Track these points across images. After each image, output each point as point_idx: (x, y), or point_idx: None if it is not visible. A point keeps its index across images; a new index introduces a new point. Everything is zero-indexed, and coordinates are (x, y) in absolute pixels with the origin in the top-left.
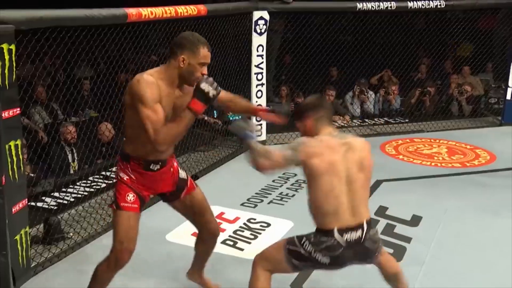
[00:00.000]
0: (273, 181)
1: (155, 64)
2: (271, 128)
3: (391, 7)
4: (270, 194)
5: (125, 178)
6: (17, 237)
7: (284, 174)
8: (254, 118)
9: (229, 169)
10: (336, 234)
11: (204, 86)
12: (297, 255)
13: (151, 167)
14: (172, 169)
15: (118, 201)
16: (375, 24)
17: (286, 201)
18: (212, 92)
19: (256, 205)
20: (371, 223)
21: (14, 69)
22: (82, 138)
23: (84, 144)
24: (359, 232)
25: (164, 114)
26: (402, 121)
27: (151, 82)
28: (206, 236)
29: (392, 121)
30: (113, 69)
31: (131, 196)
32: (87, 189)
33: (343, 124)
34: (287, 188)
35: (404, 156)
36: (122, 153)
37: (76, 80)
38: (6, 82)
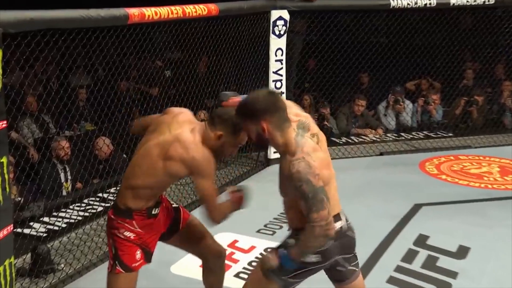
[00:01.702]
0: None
1: (159, 71)
2: None
3: (430, 4)
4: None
5: (132, 237)
6: (1, 268)
7: None
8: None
9: None
10: None
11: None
12: (284, 270)
13: (153, 212)
14: (164, 203)
15: (127, 263)
16: (413, 24)
17: None
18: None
19: (274, 232)
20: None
21: (1, 77)
22: (77, 154)
23: (79, 162)
24: (338, 223)
25: None
26: (445, 135)
27: (211, 158)
28: (212, 261)
29: (433, 135)
30: (112, 76)
31: (139, 254)
32: (81, 214)
33: (375, 139)
34: None
35: (448, 176)
36: (121, 210)
37: (70, 89)
38: None
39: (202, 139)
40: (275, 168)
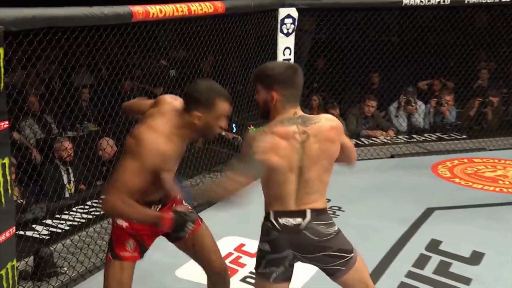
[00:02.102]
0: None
1: (164, 70)
2: None
3: (444, 1)
4: None
5: (124, 226)
6: (3, 271)
7: None
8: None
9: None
10: (272, 217)
11: (186, 229)
12: (257, 261)
13: (152, 208)
14: (174, 205)
15: (117, 251)
16: (425, 22)
17: None
18: (185, 231)
19: None
20: (326, 217)
21: (3, 76)
22: (80, 155)
23: (82, 163)
24: (298, 219)
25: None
26: (458, 137)
27: (161, 151)
28: (214, 277)
29: (446, 137)
30: (116, 76)
31: (131, 245)
32: (85, 216)
33: (386, 140)
34: None
35: (461, 180)
36: None
37: (73, 88)
38: None
39: (176, 128)
40: None
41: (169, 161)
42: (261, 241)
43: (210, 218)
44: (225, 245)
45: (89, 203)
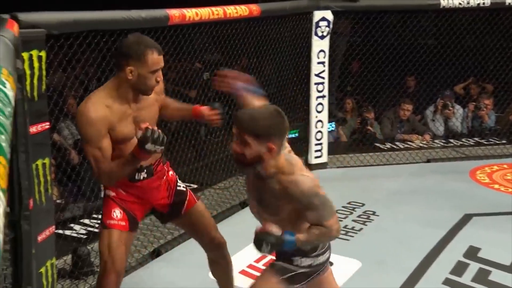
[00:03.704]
0: (336, 211)
1: (199, 73)
2: (332, 149)
3: (484, 3)
4: None
5: (111, 194)
6: (43, 269)
7: (349, 203)
8: (313, 138)
9: None
10: None
11: (150, 147)
12: (298, 278)
13: (136, 177)
14: (166, 178)
15: (104, 219)
16: (464, 25)
17: (352, 236)
18: (157, 149)
19: None
20: None
21: (44, 79)
22: None
23: None
24: None
25: (113, 144)
26: (497, 142)
27: (94, 119)
28: (212, 253)
29: (485, 142)
30: None
31: (117, 213)
32: None
33: (422, 145)
34: (353, 220)
35: (501, 186)
36: None
37: None
38: (35, 93)
39: (112, 90)
40: (316, 173)
41: (111, 124)
42: (320, 255)
43: (227, 231)
44: (244, 258)
45: None
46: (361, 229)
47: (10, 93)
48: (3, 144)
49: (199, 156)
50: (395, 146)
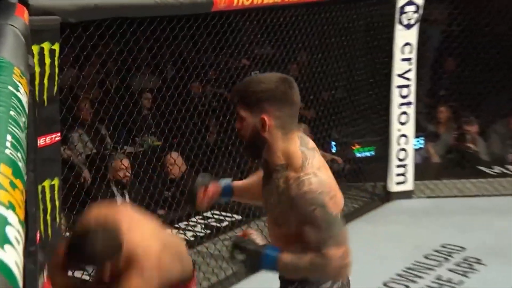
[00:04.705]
0: (425, 256)
1: (247, 72)
2: (420, 173)
3: None
4: (421, 277)
5: None
6: None
7: (443, 246)
8: (394, 157)
9: (353, 232)
10: None
11: None
12: None
13: None
14: None
15: None
16: None
17: None
18: None
19: None
20: None
21: (57, 78)
22: (139, 176)
23: (143, 186)
24: None
25: None
26: None
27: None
28: None
29: None
30: (183, 78)
31: None
32: None
33: None
34: (449, 269)
35: None
36: None
37: (131, 93)
38: (45, 96)
39: None
40: (399, 204)
41: None
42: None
43: None
44: None
45: None
46: (461, 282)
47: (24, 99)
48: (20, 164)
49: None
50: (507, 171)
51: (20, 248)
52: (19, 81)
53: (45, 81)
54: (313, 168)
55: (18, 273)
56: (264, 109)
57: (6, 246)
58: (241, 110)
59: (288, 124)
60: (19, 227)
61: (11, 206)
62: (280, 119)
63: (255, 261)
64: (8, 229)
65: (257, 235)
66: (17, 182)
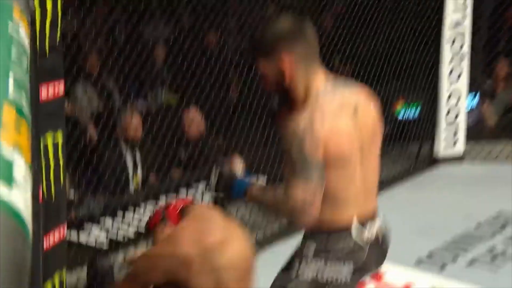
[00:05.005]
0: (476, 227)
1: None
2: (472, 135)
3: None
4: (471, 248)
5: None
6: (49, 284)
7: (497, 216)
8: (442, 118)
9: (393, 199)
10: (355, 227)
11: None
12: None
13: None
14: None
15: None
16: None
17: (503, 263)
18: None
19: (444, 265)
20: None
21: (60, 24)
22: (152, 134)
23: (156, 145)
24: (376, 224)
25: None
26: None
27: None
28: None
29: None
30: (200, 28)
31: None
32: None
33: None
34: (503, 240)
35: None
36: None
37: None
38: (46, 45)
39: None
40: (445, 170)
41: None
42: (337, 263)
43: None
44: None
45: (164, 198)
46: None
47: (25, 41)
48: (24, 109)
49: None
50: None
51: (28, 188)
52: (20, 19)
53: (47, 27)
54: (316, 108)
55: (27, 214)
56: (281, 49)
57: (14, 186)
58: (261, 60)
59: (308, 59)
60: (26, 167)
61: (17, 148)
62: (298, 55)
63: (227, 186)
64: (15, 168)
65: (238, 161)
66: (22, 128)
